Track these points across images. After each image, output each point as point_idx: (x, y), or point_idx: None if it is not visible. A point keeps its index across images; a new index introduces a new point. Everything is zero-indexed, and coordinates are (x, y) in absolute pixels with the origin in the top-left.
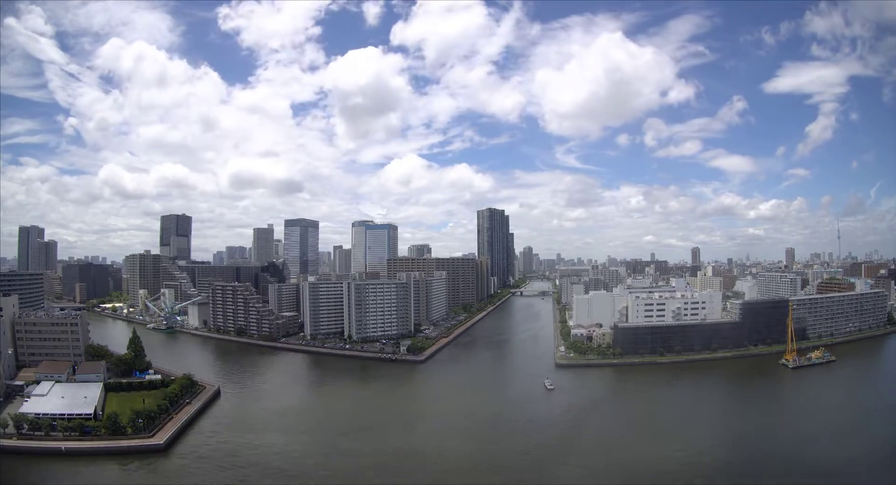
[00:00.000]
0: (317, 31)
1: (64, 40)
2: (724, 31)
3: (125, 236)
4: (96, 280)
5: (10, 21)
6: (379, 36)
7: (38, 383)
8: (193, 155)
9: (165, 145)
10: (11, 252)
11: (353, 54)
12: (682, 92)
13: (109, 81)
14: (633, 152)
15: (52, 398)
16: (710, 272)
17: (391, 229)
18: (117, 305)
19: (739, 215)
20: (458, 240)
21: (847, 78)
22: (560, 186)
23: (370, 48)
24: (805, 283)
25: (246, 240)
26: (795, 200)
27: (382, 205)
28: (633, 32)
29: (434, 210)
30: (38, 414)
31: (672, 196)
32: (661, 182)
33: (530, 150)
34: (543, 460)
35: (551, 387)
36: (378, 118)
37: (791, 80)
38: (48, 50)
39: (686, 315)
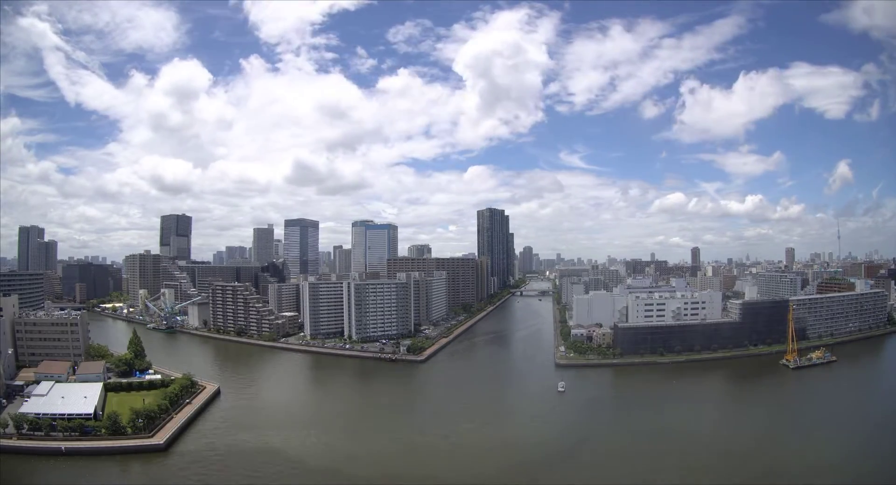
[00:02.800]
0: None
1: (68, 38)
2: (734, 33)
3: (144, 236)
4: (96, 280)
5: (12, 19)
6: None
7: (38, 383)
8: (204, 151)
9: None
10: (11, 252)
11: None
12: (690, 93)
13: (118, 77)
14: (639, 153)
15: (52, 398)
16: (709, 272)
17: (391, 229)
18: (117, 305)
19: (743, 215)
20: (469, 240)
21: (854, 81)
22: (566, 186)
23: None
24: (805, 283)
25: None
26: (799, 200)
27: (394, 204)
28: (675, 33)
29: (445, 209)
30: (38, 414)
31: (677, 196)
32: (666, 183)
33: (536, 151)
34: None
35: (562, 390)
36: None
37: (799, 81)
38: (51, 47)
39: (686, 315)
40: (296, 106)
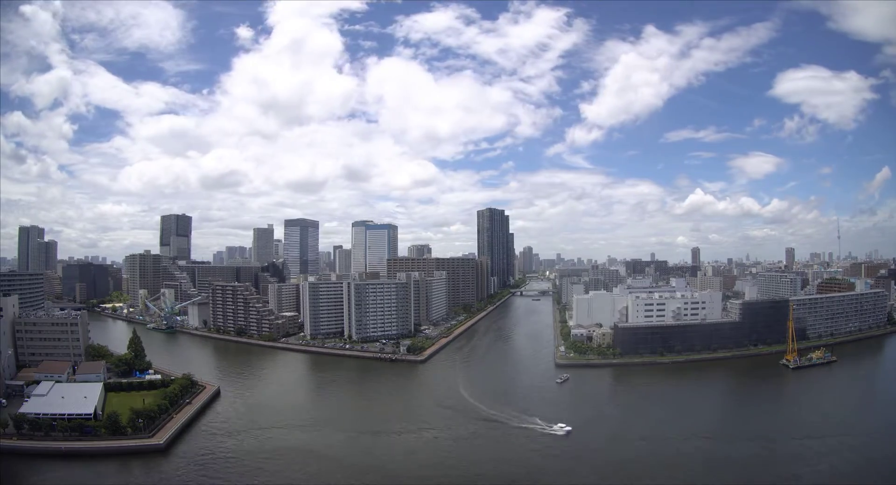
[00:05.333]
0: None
1: (71, 35)
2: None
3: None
4: (96, 280)
5: (15, 12)
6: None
7: (38, 383)
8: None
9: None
10: (12, 252)
11: None
12: (696, 94)
13: (122, 74)
14: (645, 153)
15: (52, 398)
16: (710, 272)
17: (391, 229)
18: (117, 305)
19: (755, 216)
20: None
21: (861, 84)
22: (569, 186)
23: None
24: (805, 283)
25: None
26: (802, 200)
27: (406, 205)
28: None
29: (454, 209)
30: (38, 414)
31: (681, 196)
32: (669, 182)
33: (540, 150)
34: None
35: (560, 381)
36: None
37: (803, 83)
38: (54, 43)
39: (686, 315)
40: (319, 101)
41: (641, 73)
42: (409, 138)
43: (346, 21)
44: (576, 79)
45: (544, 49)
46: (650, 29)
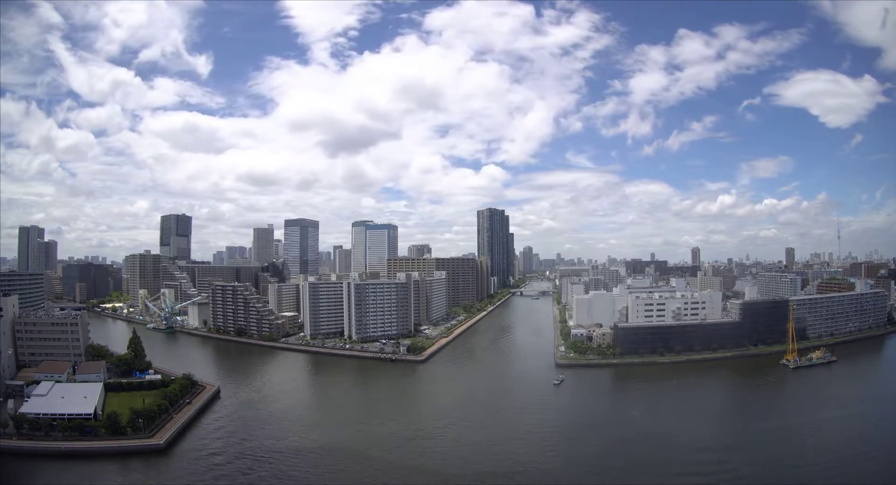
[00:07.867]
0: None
1: (73, 33)
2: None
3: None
4: (96, 280)
5: (16, 15)
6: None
7: (38, 383)
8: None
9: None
10: (12, 252)
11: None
12: (698, 94)
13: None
14: (653, 153)
15: (52, 398)
16: (710, 272)
17: (391, 229)
18: (117, 305)
19: (753, 215)
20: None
21: (873, 87)
22: (579, 185)
23: None
24: (805, 283)
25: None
26: (804, 200)
27: (415, 206)
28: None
29: (463, 209)
30: (38, 414)
31: (689, 196)
32: (677, 182)
33: (553, 150)
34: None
35: (557, 382)
36: None
37: (814, 86)
38: (56, 44)
39: (686, 315)
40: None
41: (664, 76)
42: (425, 136)
43: (379, 8)
44: (604, 80)
45: (577, 48)
46: (682, 31)
